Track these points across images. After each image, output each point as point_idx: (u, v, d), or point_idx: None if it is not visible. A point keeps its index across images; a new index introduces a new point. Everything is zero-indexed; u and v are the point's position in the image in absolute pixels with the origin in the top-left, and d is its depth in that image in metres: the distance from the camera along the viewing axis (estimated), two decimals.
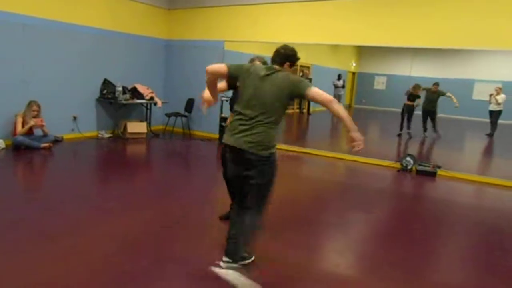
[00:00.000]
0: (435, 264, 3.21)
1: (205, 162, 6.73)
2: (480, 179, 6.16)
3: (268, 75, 2.64)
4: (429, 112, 9.41)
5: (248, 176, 2.65)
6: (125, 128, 7.94)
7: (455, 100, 9.25)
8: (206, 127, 8.65)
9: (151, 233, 3.42)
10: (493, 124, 9.47)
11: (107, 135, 7.86)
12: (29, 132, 6.33)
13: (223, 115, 7.95)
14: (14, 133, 6.23)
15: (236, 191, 2.85)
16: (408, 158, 6.49)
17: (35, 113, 6.34)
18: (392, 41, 6.68)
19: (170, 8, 9.04)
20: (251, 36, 7.84)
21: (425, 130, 9.55)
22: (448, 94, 9.25)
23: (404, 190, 5.79)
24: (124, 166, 6.11)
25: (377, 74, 13.19)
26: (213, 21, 8.43)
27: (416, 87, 9.33)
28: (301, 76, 11.32)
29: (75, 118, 7.44)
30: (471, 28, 5.96)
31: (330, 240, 3.66)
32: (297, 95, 2.65)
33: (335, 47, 11.51)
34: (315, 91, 2.55)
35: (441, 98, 9.35)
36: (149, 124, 8.50)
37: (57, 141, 6.84)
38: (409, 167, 6.45)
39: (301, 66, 11.48)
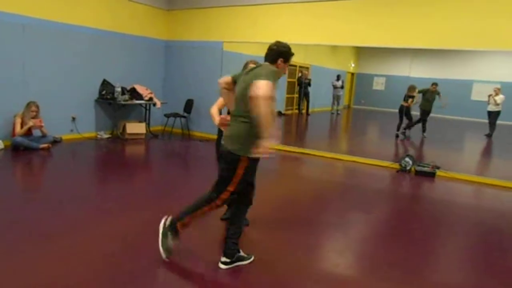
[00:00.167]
0: (434, 264, 3.21)
1: (204, 163, 6.73)
2: (479, 180, 6.17)
3: (249, 71, 2.71)
4: (428, 113, 9.43)
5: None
6: (124, 128, 7.94)
7: (444, 102, 9.33)
8: (205, 127, 8.65)
9: (150, 233, 3.41)
10: (492, 124, 9.48)
11: (106, 136, 7.86)
12: (28, 133, 6.32)
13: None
14: (13, 133, 6.22)
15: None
16: (407, 159, 6.50)
17: (34, 113, 6.33)
18: (391, 41, 6.69)
19: (169, 9, 9.04)
20: (250, 37, 7.84)
21: (424, 130, 9.56)
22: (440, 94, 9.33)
23: (403, 190, 5.79)
24: (123, 166, 6.11)
25: (376, 75, 13.20)
26: (212, 22, 8.43)
27: (411, 88, 9.35)
28: (300, 76, 11.32)
29: (74, 118, 7.44)
30: (470, 29, 5.97)
31: (329, 240, 3.67)
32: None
33: (334, 48, 11.51)
34: (258, 83, 2.44)
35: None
36: (148, 125, 8.50)
37: (56, 141, 6.83)
38: (408, 168, 6.45)
39: (300, 66, 11.48)
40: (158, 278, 2.68)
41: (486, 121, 9.61)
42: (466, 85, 11.46)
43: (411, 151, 8.52)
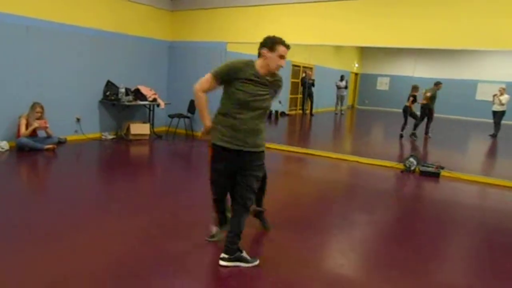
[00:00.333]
0: (439, 265, 3.20)
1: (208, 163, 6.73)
2: (484, 180, 6.14)
3: None
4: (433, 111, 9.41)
5: None
6: (128, 129, 7.97)
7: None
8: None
9: (155, 232, 3.42)
10: (497, 124, 9.44)
11: (110, 137, 7.89)
12: (33, 134, 6.36)
13: None
14: (18, 135, 6.26)
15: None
16: (411, 159, 6.48)
17: (39, 114, 6.36)
18: (395, 42, 6.67)
19: (173, 10, 9.07)
20: (254, 38, 7.80)
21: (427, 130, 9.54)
22: None
23: (407, 191, 5.77)
24: (128, 167, 6.13)
25: (380, 75, 13.17)
26: (215, 22, 8.44)
27: (414, 88, 9.34)
28: (303, 77, 11.31)
29: (78, 119, 7.47)
30: (474, 29, 5.94)
31: (334, 241, 3.66)
32: None
33: (337, 48, 11.50)
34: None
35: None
36: (152, 126, 8.52)
37: (60, 142, 6.86)
38: (412, 168, 6.43)
39: (304, 67, 11.48)
40: (163, 278, 2.69)
41: (491, 121, 9.57)
42: (471, 85, 11.42)
43: (416, 152, 8.48)
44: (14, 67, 6.36)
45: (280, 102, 8.11)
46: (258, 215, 3.61)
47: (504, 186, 5.92)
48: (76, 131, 7.47)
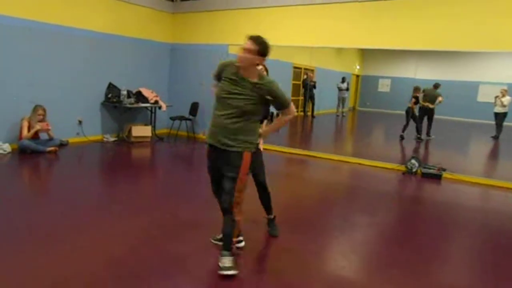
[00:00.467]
0: (441, 267, 3.19)
1: None
2: (486, 182, 6.12)
3: None
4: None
5: None
6: (130, 131, 7.98)
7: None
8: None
9: (156, 233, 3.43)
10: (499, 126, 9.43)
11: (112, 139, 7.90)
12: (35, 136, 6.37)
13: None
14: (20, 137, 6.27)
15: None
16: (413, 161, 6.47)
17: (41, 117, 6.38)
18: (396, 43, 6.67)
19: (174, 12, 9.09)
20: None
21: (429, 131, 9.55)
22: None
23: (409, 193, 5.76)
24: (130, 169, 6.14)
25: (382, 77, 13.19)
26: (217, 25, 8.46)
27: (416, 89, 9.34)
28: (305, 79, 11.33)
29: (80, 122, 7.49)
30: (475, 30, 5.94)
31: (335, 243, 3.66)
32: None
33: (339, 50, 11.51)
34: None
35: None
36: (153, 128, 8.54)
37: (62, 145, 6.87)
38: (414, 170, 6.42)
39: (305, 69, 11.49)
40: (164, 279, 2.69)
41: (493, 122, 9.56)
42: (472, 87, 11.41)
43: (417, 153, 8.47)
44: (16, 69, 6.38)
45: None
46: (268, 222, 3.62)
47: (507, 188, 5.90)
48: (78, 134, 7.48)
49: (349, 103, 13.33)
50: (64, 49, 7.03)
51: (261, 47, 2.76)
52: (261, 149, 3.46)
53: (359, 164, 7.05)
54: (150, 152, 7.52)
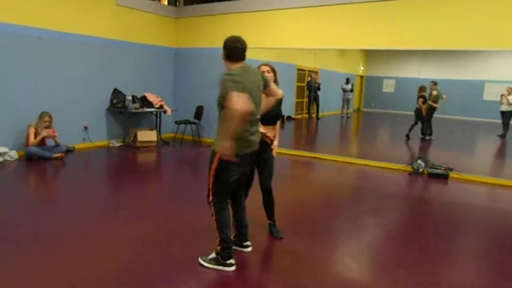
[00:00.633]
0: (449, 267, 3.17)
1: None
2: (493, 181, 6.08)
3: (251, 73, 2.93)
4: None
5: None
6: (135, 136, 8.01)
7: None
8: (216, 134, 8.67)
9: (163, 238, 3.43)
10: (505, 125, 9.37)
11: (118, 144, 7.94)
12: (42, 143, 6.42)
13: None
14: (26, 144, 6.32)
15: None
16: (419, 161, 6.44)
17: (47, 123, 6.42)
18: (399, 44, 6.65)
19: (177, 17, 9.13)
20: (258, 43, 7.85)
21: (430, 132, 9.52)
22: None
23: (416, 193, 5.73)
24: (136, 174, 6.16)
25: (386, 77, 13.16)
26: (220, 28, 8.48)
27: (422, 89, 9.31)
28: (309, 81, 11.33)
29: (86, 128, 7.53)
30: (475, 30, 5.91)
31: (343, 244, 3.64)
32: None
33: (342, 52, 11.52)
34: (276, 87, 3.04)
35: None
36: (159, 132, 8.57)
37: (69, 151, 6.92)
38: (420, 170, 6.39)
39: (309, 71, 11.49)
40: (171, 284, 2.69)
41: (499, 121, 9.50)
42: (478, 85, 11.36)
43: (424, 153, 8.44)
44: (24, 77, 6.44)
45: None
46: (270, 227, 3.63)
47: None
48: (84, 139, 7.52)
49: (354, 104, 13.32)
50: (69, 56, 7.09)
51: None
52: (274, 155, 3.45)
53: (365, 165, 7.03)
54: (155, 156, 7.54)
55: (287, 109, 10.88)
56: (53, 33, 6.74)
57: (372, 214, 4.48)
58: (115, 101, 7.81)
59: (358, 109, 13.97)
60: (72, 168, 6.23)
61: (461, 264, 3.31)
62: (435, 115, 9.49)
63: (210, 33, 8.68)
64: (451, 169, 6.30)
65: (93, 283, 2.68)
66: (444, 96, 9.31)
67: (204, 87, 8.65)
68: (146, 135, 8.11)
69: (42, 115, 6.38)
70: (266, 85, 2.93)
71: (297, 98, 11.58)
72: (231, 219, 3.04)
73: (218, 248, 2.92)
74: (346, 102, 12.48)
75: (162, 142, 8.49)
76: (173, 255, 3.13)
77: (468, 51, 7.00)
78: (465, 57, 10.97)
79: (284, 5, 7.59)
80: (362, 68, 13.54)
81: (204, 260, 2.95)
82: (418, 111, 9.26)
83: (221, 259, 2.90)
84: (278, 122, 3.52)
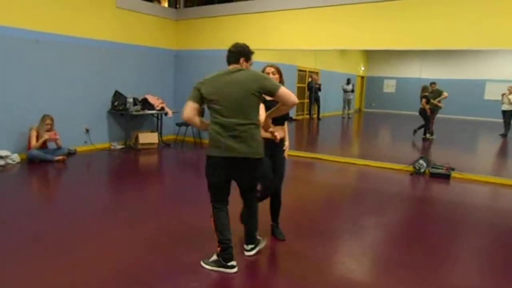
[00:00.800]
0: (451, 267, 3.17)
1: None
2: (495, 181, 6.07)
3: (230, 75, 3.03)
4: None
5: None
6: (136, 139, 8.02)
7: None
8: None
9: (164, 240, 3.43)
10: (507, 124, 9.34)
11: (119, 147, 7.95)
12: (43, 146, 6.43)
13: None
14: (28, 147, 6.34)
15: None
16: (421, 161, 6.43)
17: (49, 126, 6.44)
18: (399, 44, 6.65)
19: (177, 19, 9.15)
20: (259, 44, 7.84)
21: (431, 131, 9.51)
22: None
23: (418, 193, 5.73)
24: (137, 176, 6.16)
25: (387, 77, 13.14)
26: (220, 30, 8.50)
27: (424, 89, 9.31)
28: (310, 81, 11.32)
29: (87, 130, 7.54)
30: (473, 29, 5.92)
31: (344, 245, 3.64)
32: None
33: (343, 52, 11.51)
34: (286, 90, 2.91)
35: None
36: (160, 134, 8.58)
37: (70, 153, 6.93)
38: (422, 170, 6.38)
39: (310, 71, 11.48)
40: (173, 286, 2.69)
41: (501, 120, 9.48)
42: (479, 85, 11.32)
43: (425, 153, 8.42)
44: (24, 80, 6.46)
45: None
46: (272, 229, 3.63)
47: None
48: (85, 142, 7.54)
49: (355, 105, 13.29)
50: (69, 59, 7.10)
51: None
52: (286, 156, 3.46)
53: (366, 165, 7.02)
54: (157, 158, 7.55)
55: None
56: (52, 36, 6.76)
57: (374, 214, 4.47)
58: (116, 103, 7.82)
59: (359, 110, 13.95)
60: (74, 170, 6.24)
61: (463, 264, 3.31)
62: (436, 115, 9.48)
63: (210, 35, 8.69)
64: (453, 169, 6.29)
65: (94, 285, 2.68)
66: (445, 93, 9.30)
67: None
68: (148, 137, 8.12)
69: (43, 118, 6.39)
70: (269, 92, 2.84)
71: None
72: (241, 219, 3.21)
73: (218, 249, 2.93)
74: (347, 102, 12.46)
75: (164, 144, 8.50)
76: (175, 257, 3.13)
77: (468, 50, 6.97)
78: (465, 57, 10.94)
79: (284, 7, 7.60)
80: (362, 68, 13.53)
81: (205, 263, 2.96)
82: (423, 111, 9.26)
83: (222, 260, 2.90)
84: (286, 123, 3.53)
